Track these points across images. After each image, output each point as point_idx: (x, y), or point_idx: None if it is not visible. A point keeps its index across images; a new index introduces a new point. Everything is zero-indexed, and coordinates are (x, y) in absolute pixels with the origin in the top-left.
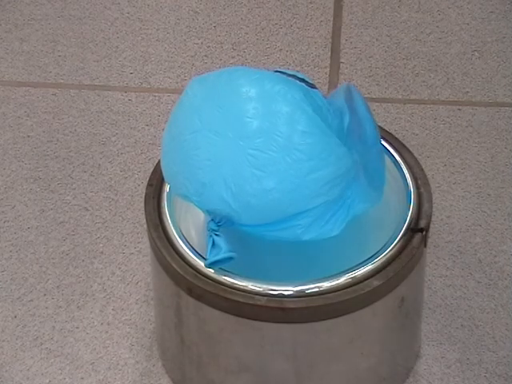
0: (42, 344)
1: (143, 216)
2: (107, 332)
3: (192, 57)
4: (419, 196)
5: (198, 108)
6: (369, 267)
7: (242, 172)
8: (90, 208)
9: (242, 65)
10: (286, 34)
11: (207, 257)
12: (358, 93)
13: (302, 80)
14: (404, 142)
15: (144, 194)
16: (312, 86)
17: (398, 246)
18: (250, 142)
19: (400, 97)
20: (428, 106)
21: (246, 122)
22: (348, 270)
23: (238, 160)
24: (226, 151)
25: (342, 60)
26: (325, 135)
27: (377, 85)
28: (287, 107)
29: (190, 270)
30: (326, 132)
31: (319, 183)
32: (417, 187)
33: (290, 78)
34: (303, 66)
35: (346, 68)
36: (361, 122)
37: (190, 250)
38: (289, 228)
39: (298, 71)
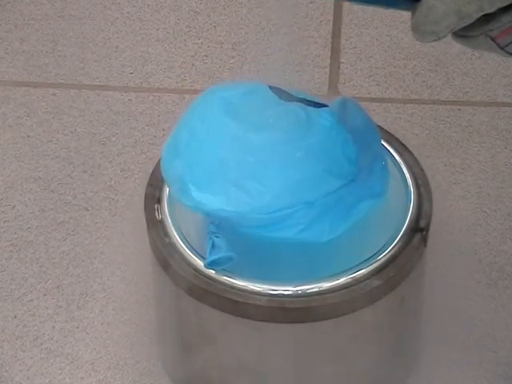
0: (42, 344)
1: (143, 216)
2: (107, 332)
3: (192, 57)
4: (419, 196)
5: (206, 118)
6: (369, 267)
7: (244, 184)
8: (89, 208)
9: (242, 64)
10: (286, 33)
11: (207, 257)
12: (355, 103)
13: (311, 101)
14: (404, 142)
15: (144, 194)
16: (322, 105)
17: (398, 245)
18: (253, 156)
19: (400, 97)
20: (428, 105)
21: (251, 137)
22: (348, 269)
23: (240, 172)
24: (230, 162)
25: (342, 60)
26: (328, 155)
27: (377, 85)
28: (292, 126)
29: (190, 269)
30: (330, 151)
31: (319, 186)
32: (417, 187)
33: (297, 103)
34: (303, 65)
35: (346, 68)
36: (360, 128)
37: (190, 249)
38: (289, 229)
39: (305, 93)
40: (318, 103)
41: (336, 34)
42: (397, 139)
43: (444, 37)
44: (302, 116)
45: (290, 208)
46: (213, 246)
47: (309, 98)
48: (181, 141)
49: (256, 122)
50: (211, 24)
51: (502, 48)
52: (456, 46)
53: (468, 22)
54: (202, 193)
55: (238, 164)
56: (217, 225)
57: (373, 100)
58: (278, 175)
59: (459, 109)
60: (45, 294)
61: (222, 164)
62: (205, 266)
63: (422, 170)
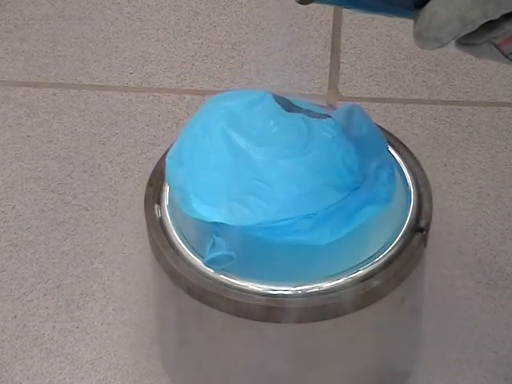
0: (42, 344)
1: (143, 216)
2: (107, 332)
3: (192, 57)
4: (419, 196)
5: (209, 129)
6: (369, 267)
7: (246, 200)
8: (89, 208)
9: (242, 64)
10: (286, 33)
11: (206, 255)
12: (361, 110)
13: (315, 112)
14: (404, 142)
15: (144, 194)
16: (326, 116)
17: (398, 245)
18: (254, 171)
19: (400, 97)
20: (428, 105)
21: (253, 152)
22: (348, 270)
23: (241, 186)
24: (232, 175)
25: (342, 60)
26: (328, 168)
27: (377, 85)
28: (293, 140)
29: (190, 270)
30: (330, 164)
31: (321, 199)
32: (417, 187)
33: (300, 114)
34: (303, 65)
35: (346, 68)
36: (366, 136)
37: (190, 249)
38: (291, 233)
39: (310, 103)
40: (322, 114)
41: (336, 33)
42: (397, 139)
43: (447, 43)
44: (304, 129)
45: (291, 219)
46: (213, 244)
47: (313, 109)
48: (184, 150)
49: (258, 136)
50: (211, 24)
51: (507, 56)
52: None
53: (471, 28)
54: (204, 204)
55: (240, 178)
56: (218, 224)
57: (373, 100)
58: (279, 191)
59: (459, 109)
60: (45, 294)
61: (223, 177)
62: (204, 263)
63: (422, 170)
